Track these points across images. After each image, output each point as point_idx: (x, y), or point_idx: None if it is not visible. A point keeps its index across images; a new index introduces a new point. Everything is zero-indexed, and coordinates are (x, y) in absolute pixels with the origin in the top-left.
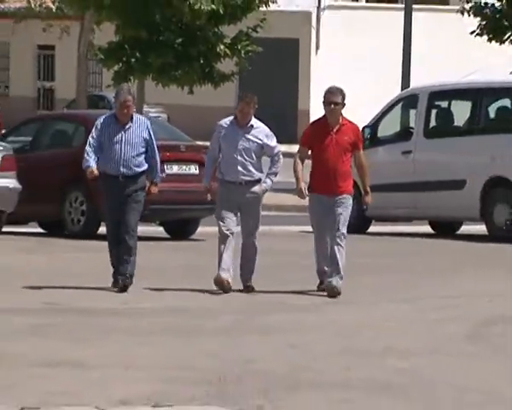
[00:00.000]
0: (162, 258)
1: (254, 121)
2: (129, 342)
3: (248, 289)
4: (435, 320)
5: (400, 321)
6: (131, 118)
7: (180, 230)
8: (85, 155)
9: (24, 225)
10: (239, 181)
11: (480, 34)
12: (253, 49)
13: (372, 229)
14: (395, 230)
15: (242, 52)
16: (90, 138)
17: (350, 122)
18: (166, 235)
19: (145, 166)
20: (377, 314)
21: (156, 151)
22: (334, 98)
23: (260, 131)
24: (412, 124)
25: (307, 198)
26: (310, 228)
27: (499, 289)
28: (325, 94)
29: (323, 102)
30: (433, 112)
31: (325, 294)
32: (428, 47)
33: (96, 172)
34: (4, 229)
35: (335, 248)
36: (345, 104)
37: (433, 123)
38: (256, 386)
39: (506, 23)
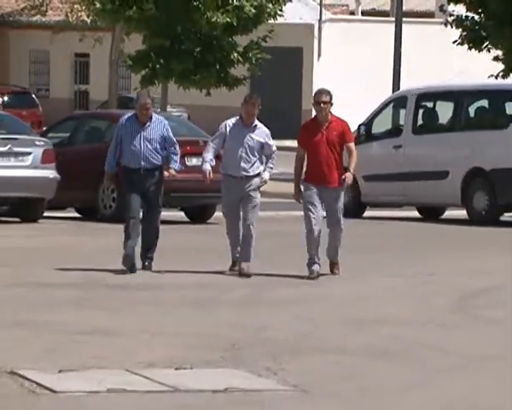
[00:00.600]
0: (183, 239)
1: (256, 122)
2: (154, 312)
3: (242, 274)
4: (423, 294)
5: (392, 295)
6: (150, 118)
7: (199, 215)
8: (108, 154)
9: (62, 210)
10: (240, 176)
11: (461, 43)
12: (262, 57)
13: (367, 214)
14: (387, 214)
15: (253, 59)
16: (113, 139)
17: (338, 118)
18: (187, 219)
19: (163, 161)
20: (370, 288)
21: (175, 142)
22: (322, 98)
23: (262, 131)
24: (402, 122)
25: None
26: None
27: (479, 267)
28: (314, 95)
29: (313, 103)
30: (421, 111)
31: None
32: (416, 55)
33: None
34: (45, 214)
35: (335, 236)
36: (332, 103)
37: (420, 121)
38: (265, 351)
39: (484, 34)
